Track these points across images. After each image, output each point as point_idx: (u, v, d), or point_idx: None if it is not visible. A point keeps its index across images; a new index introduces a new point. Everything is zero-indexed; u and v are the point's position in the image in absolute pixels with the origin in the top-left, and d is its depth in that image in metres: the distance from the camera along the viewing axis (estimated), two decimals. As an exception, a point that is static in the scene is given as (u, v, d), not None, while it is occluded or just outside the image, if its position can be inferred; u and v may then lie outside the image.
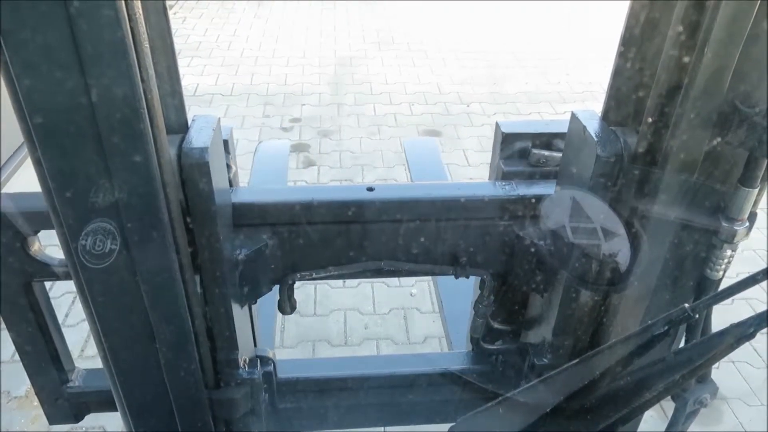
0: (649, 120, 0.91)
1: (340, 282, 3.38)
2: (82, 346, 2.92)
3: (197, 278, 0.99)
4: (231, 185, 1.15)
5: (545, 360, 1.23)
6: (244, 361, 1.17)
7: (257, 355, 1.28)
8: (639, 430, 1.32)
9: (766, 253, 3.64)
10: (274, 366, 1.30)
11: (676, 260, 1.00)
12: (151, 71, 0.76)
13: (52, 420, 1.31)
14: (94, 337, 0.96)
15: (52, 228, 0.84)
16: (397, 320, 3.21)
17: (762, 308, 0.73)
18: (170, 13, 0.89)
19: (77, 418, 1.32)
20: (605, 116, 1.01)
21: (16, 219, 1.03)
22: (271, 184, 2.22)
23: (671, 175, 0.91)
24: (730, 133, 0.87)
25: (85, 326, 2.87)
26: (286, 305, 1.23)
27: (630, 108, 0.99)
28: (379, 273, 1.19)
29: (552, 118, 5.30)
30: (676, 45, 0.84)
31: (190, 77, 6.02)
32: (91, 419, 1.42)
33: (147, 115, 0.75)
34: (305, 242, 1.13)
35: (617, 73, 0.97)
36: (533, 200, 1.12)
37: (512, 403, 0.88)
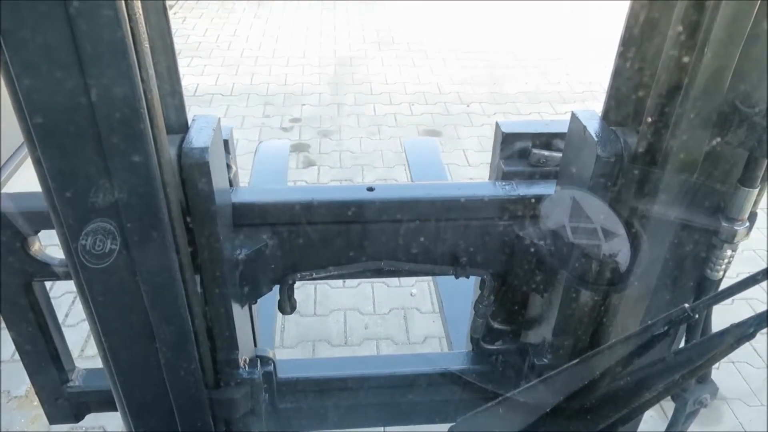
0: (649, 120, 0.91)
1: (340, 282, 3.38)
2: (82, 346, 2.92)
3: (197, 278, 0.99)
4: (231, 185, 1.15)
5: (545, 360, 1.23)
6: (244, 360, 1.17)
7: (257, 355, 1.28)
8: (639, 430, 1.32)
9: (766, 253, 3.64)
10: (274, 366, 1.30)
11: (676, 260, 1.00)
12: (151, 71, 0.76)
13: (53, 420, 1.31)
14: (94, 336, 0.96)
15: (53, 228, 0.84)
16: (397, 320, 3.21)
17: (762, 308, 0.73)
18: (170, 13, 0.89)
19: (77, 417, 1.32)
20: (605, 116, 1.01)
21: (16, 219, 1.03)
22: (272, 184, 2.22)
23: (671, 175, 0.91)
24: (730, 133, 0.87)
25: (85, 326, 2.87)
26: (286, 305, 1.23)
27: (630, 108, 0.99)
28: (379, 273, 1.19)
29: (552, 118, 5.30)
30: (676, 45, 0.84)
31: (190, 77, 6.02)
32: (92, 419, 1.42)
33: (147, 115, 0.75)
34: (305, 242, 1.13)
35: (617, 73, 0.97)
36: (533, 200, 1.12)
37: (512, 403, 0.88)
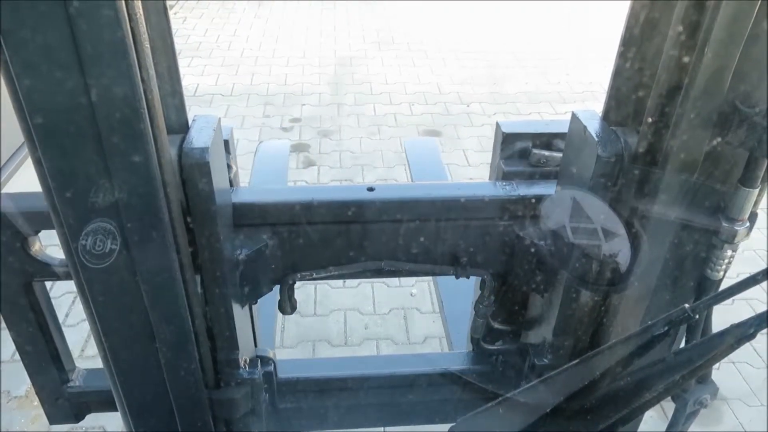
0: (650, 120, 0.91)
1: (340, 282, 3.38)
2: (82, 346, 2.92)
3: (197, 278, 0.99)
4: (231, 185, 1.15)
5: (545, 360, 1.23)
6: (245, 361, 1.17)
7: (257, 355, 1.28)
8: (639, 430, 1.32)
9: (766, 253, 3.64)
10: (275, 366, 1.30)
11: (676, 260, 1.00)
12: (152, 71, 0.76)
13: (53, 420, 1.31)
14: (94, 336, 0.96)
15: (53, 228, 0.84)
16: (397, 320, 3.21)
17: (762, 309, 0.73)
18: (170, 13, 0.89)
19: (77, 417, 1.32)
20: (606, 116, 1.01)
21: (16, 219, 1.02)
22: (272, 184, 2.22)
23: (672, 175, 0.91)
24: (731, 133, 0.87)
25: (86, 326, 2.87)
26: (287, 305, 1.23)
27: (630, 108, 0.99)
28: (379, 273, 1.19)
29: (552, 118, 5.30)
30: (677, 45, 0.84)
31: (190, 77, 6.02)
32: (92, 419, 1.42)
33: (147, 115, 0.75)
34: (305, 242, 1.13)
35: (617, 73, 0.97)
36: (533, 200, 1.12)
37: (512, 404, 0.88)
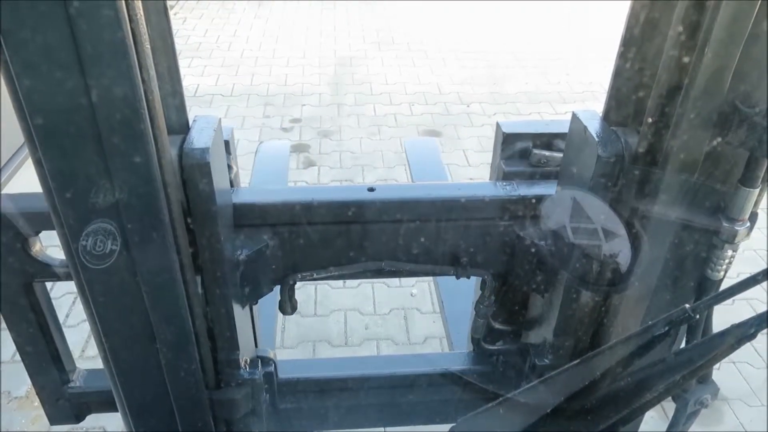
0: (650, 120, 0.91)
1: (340, 282, 3.38)
2: (82, 347, 2.92)
3: (198, 279, 0.99)
4: (232, 186, 1.15)
5: (546, 360, 1.23)
6: (245, 361, 1.17)
7: (258, 356, 1.28)
8: (640, 430, 1.31)
9: (766, 253, 3.64)
10: (275, 366, 1.30)
11: (676, 260, 1.00)
12: (152, 72, 0.75)
13: (53, 420, 1.31)
14: (94, 337, 0.96)
15: (53, 228, 0.84)
16: (397, 320, 3.21)
17: (763, 309, 0.73)
18: (171, 13, 0.89)
19: (78, 418, 1.31)
20: (606, 116, 1.01)
21: (16, 219, 1.02)
22: (272, 185, 2.22)
23: (672, 175, 0.91)
24: (731, 133, 0.87)
25: (86, 326, 2.87)
26: (287, 305, 1.23)
27: (631, 108, 0.99)
28: (379, 273, 1.19)
29: (552, 118, 5.30)
30: (677, 45, 0.84)
31: (190, 78, 6.02)
32: (92, 420, 1.42)
33: (148, 116, 0.75)
34: (306, 243, 1.13)
35: (618, 74, 0.97)
36: (534, 200, 1.12)
37: (513, 404, 0.88)
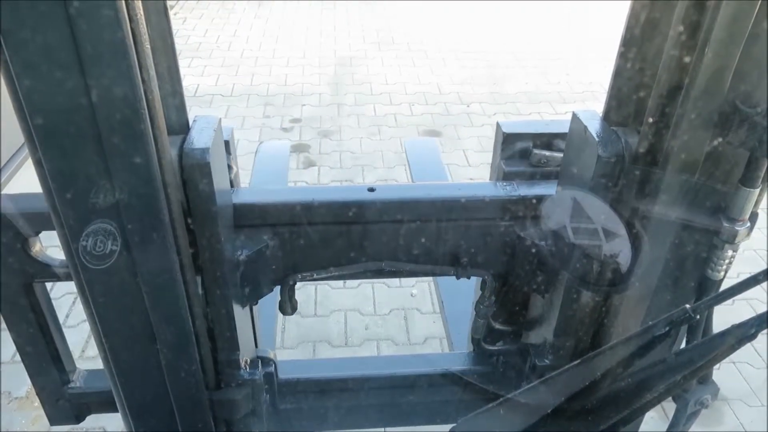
0: (650, 120, 0.91)
1: (340, 282, 3.38)
2: (82, 347, 2.92)
3: (198, 279, 0.99)
4: (232, 186, 1.15)
5: (546, 361, 1.23)
6: (245, 361, 1.17)
7: (258, 356, 1.28)
8: (640, 430, 1.31)
9: (766, 253, 3.64)
10: (275, 367, 1.30)
11: (677, 261, 1.00)
12: (152, 72, 0.75)
13: (53, 421, 1.31)
14: (94, 337, 0.96)
15: (53, 229, 0.84)
16: (397, 321, 3.21)
17: (763, 309, 0.73)
18: (171, 13, 0.89)
19: (78, 418, 1.31)
20: (606, 116, 1.01)
21: (17, 220, 1.02)
22: (272, 185, 2.21)
23: (672, 175, 0.91)
24: (731, 133, 0.87)
25: (86, 327, 2.87)
26: (287, 306, 1.22)
27: (631, 108, 0.99)
28: (379, 273, 1.19)
29: (552, 118, 5.30)
30: (677, 45, 0.84)
31: (190, 78, 6.02)
32: (92, 420, 1.41)
33: (148, 116, 0.75)
34: (306, 243, 1.13)
35: (618, 74, 0.97)
36: (534, 201, 1.12)
37: (513, 404, 0.88)
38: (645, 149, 0.93)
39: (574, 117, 1.03)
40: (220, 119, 1.00)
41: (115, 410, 1.11)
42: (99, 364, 1.04)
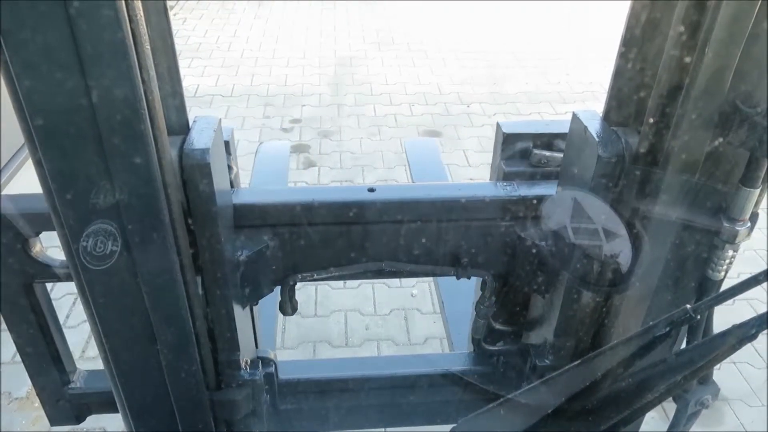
0: (651, 120, 0.91)
1: (340, 283, 3.38)
2: (83, 347, 2.92)
3: (198, 279, 0.99)
4: (232, 186, 1.14)
5: (547, 361, 1.23)
6: (246, 362, 1.17)
7: (258, 356, 1.28)
8: (640, 431, 1.31)
9: (766, 253, 3.64)
10: (276, 367, 1.30)
11: (677, 261, 1.00)
12: (152, 72, 0.75)
13: (54, 421, 1.31)
14: (95, 338, 0.96)
15: (54, 229, 0.84)
16: (397, 321, 3.20)
17: (763, 309, 0.73)
18: (171, 13, 0.89)
19: (78, 419, 1.31)
20: (606, 116, 1.01)
21: (17, 220, 1.02)
22: (272, 185, 2.21)
23: (672, 175, 0.91)
24: (732, 134, 0.87)
25: (86, 327, 2.87)
26: (288, 306, 1.22)
27: (631, 108, 0.99)
28: (380, 274, 1.19)
29: (552, 118, 5.30)
30: (677, 45, 0.84)
31: (190, 78, 6.02)
32: (93, 420, 1.41)
33: (148, 116, 0.75)
34: (306, 243, 1.13)
35: (618, 74, 0.97)
36: (534, 201, 1.12)
37: (514, 405, 0.88)
38: (645, 149, 0.93)
39: (575, 117, 1.03)
40: (220, 120, 1.00)
41: (116, 411, 1.11)
42: (99, 365, 1.04)
